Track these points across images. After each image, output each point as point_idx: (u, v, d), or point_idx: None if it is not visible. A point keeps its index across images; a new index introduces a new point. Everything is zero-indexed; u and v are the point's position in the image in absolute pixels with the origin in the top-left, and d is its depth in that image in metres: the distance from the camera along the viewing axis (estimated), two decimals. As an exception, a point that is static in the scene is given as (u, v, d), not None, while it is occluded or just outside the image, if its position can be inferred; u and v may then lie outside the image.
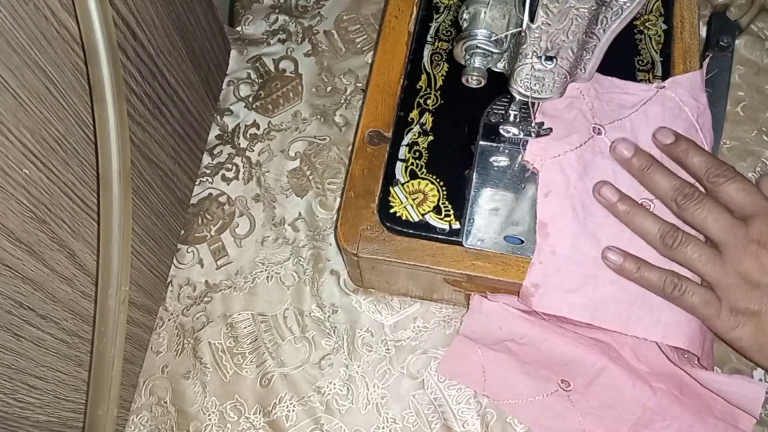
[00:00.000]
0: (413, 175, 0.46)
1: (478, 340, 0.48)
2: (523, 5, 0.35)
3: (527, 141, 0.45)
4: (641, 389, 0.44)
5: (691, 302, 0.41)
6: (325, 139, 0.59)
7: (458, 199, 0.45)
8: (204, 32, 0.55)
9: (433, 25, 0.51)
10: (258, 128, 0.60)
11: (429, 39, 0.51)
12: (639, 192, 0.44)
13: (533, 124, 0.44)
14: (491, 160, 0.46)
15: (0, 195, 0.32)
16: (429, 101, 0.49)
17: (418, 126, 0.48)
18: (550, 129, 0.44)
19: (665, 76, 0.48)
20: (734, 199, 0.41)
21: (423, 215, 0.45)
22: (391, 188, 0.46)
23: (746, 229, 0.40)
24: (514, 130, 0.45)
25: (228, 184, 0.58)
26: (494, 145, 0.46)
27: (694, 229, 0.42)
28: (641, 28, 0.50)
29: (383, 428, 0.49)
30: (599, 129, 0.45)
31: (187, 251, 0.56)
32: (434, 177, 0.46)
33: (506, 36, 0.39)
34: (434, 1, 0.52)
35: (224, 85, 0.62)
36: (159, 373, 0.52)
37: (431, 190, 0.46)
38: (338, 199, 0.56)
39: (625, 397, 0.44)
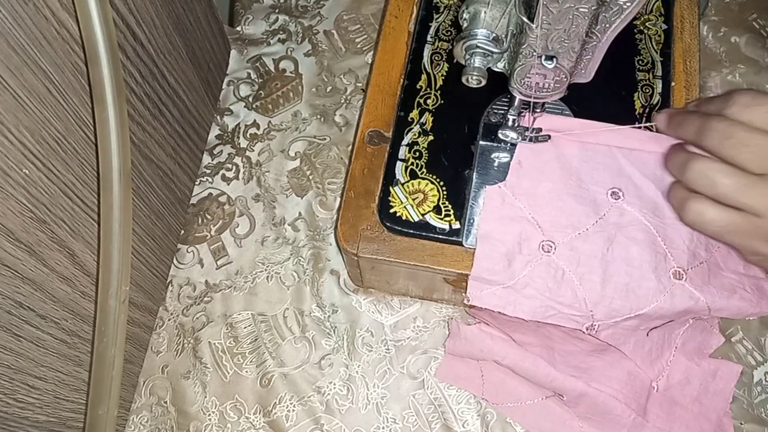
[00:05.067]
0: (413, 175, 0.46)
1: (465, 358, 0.49)
2: (523, 5, 0.35)
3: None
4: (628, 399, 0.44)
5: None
6: (325, 139, 0.59)
7: (458, 199, 0.45)
8: (204, 32, 0.55)
9: (433, 25, 0.51)
10: (258, 128, 0.60)
11: (429, 39, 0.51)
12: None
13: (530, 129, 0.44)
14: (491, 159, 0.46)
15: (0, 195, 0.32)
16: (429, 101, 0.49)
17: (418, 126, 0.48)
18: (548, 136, 0.45)
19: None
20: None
21: (423, 215, 0.45)
22: (391, 188, 0.46)
23: None
24: (513, 135, 0.45)
25: (228, 184, 0.58)
26: (494, 144, 0.46)
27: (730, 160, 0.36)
28: (641, 28, 0.50)
29: (383, 428, 0.49)
30: None
31: (187, 251, 0.56)
32: (434, 177, 0.46)
33: (506, 36, 0.39)
34: (434, 1, 0.52)
35: (224, 85, 0.62)
36: (159, 373, 0.52)
37: (431, 190, 0.46)
38: (338, 199, 0.56)
39: (615, 405, 0.44)
